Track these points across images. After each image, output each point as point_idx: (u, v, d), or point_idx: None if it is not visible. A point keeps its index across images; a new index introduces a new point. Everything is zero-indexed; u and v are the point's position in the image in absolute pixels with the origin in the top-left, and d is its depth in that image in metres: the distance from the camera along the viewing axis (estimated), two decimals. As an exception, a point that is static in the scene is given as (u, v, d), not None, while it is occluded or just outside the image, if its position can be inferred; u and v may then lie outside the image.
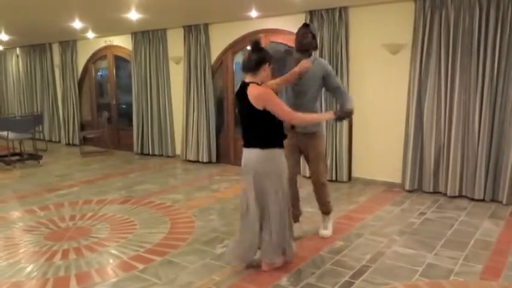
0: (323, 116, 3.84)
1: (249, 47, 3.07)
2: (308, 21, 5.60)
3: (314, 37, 3.54)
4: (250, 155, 3.05)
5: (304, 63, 3.43)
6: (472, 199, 4.78)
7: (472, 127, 4.73)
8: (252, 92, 2.94)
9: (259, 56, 2.99)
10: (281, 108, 2.97)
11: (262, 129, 3.02)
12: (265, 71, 3.02)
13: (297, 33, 3.54)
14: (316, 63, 3.54)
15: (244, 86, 3.01)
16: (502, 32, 4.44)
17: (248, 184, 3.05)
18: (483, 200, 4.73)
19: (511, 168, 4.53)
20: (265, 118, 2.97)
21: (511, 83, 4.47)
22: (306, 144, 3.64)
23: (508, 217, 4.25)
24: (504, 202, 4.60)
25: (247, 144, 3.08)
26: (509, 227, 3.97)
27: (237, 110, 3.25)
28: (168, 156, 7.71)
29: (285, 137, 3.14)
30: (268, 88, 3.05)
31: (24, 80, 10.40)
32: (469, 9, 4.59)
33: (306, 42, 3.48)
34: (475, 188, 4.75)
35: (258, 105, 2.92)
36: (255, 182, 3.02)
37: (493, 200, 4.71)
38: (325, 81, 3.58)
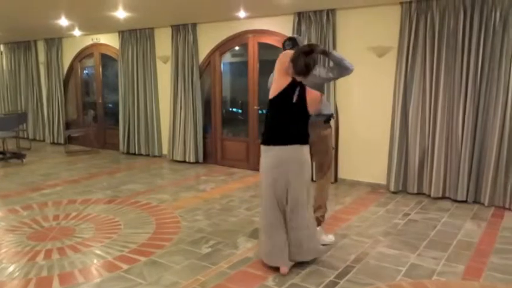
0: None
1: (301, 51, 3.06)
2: (296, 23, 5.63)
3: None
4: (294, 150, 3.09)
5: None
6: (455, 200, 4.86)
7: (456, 129, 4.80)
8: (313, 95, 3.10)
9: (314, 60, 3.08)
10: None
11: (303, 126, 3.14)
12: None
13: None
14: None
15: (299, 84, 3.08)
16: (485, 35, 4.52)
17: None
18: (466, 202, 4.81)
19: (493, 170, 4.62)
20: (306, 117, 3.13)
21: (494, 86, 4.56)
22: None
23: (489, 218, 4.33)
24: (486, 204, 4.69)
25: (289, 141, 3.08)
26: (490, 228, 4.04)
27: (279, 106, 3.13)
28: (155, 156, 7.66)
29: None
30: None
31: (8, 78, 10.23)
32: (454, 12, 4.67)
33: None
34: (458, 189, 4.83)
35: (311, 107, 3.08)
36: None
37: (475, 202, 4.79)
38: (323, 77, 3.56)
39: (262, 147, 3.18)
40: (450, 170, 4.88)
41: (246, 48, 6.52)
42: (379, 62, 5.31)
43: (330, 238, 3.72)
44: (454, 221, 4.23)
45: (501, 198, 4.63)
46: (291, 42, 3.54)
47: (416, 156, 5.08)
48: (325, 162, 3.71)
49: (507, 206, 4.59)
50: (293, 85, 3.08)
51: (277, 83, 3.11)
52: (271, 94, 3.12)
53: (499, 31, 4.46)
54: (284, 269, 3.09)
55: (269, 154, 3.12)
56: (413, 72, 5.00)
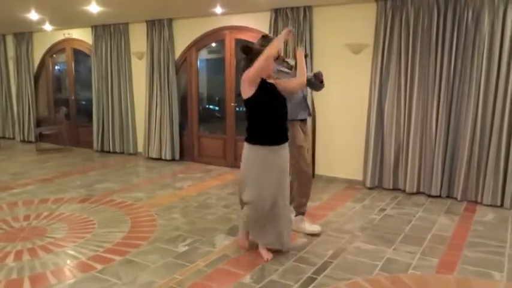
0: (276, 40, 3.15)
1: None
2: (273, 20, 5.62)
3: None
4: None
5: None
6: (429, 195, 4.96)
7: (430, 126, 4.89)
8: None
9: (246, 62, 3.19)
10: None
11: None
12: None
13: None
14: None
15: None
16: (458, 34, 4.62)
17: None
18: (439, 196, 4.91)
19: (465, 165, 4.73)
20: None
21: (466, 83, 4.66)
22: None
23: (462, 213, 4.43)
24: (459, 198, 4.80)
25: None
26: (463, 222, 4.14)
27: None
28: (130, 154, 7.53)
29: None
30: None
31: (-25, 73, 9.85)
32: (428, 11, 4.75)
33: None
34: (432, 184, 4.92)
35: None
36: None
37: (448, 197, 4.90)
38: None
39: (273, 147, 3.15)
40: (424, 165, 4.97)
41: (223, 45, 6.47)
42: (355, 59, 5.36)
43: (315, 227, 3.84)
44: (428, 216, 4.31)
45: (473, 193, 4.75)
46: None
47: (392, 153, 5.16)
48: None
49: (479, 200, 4.71)
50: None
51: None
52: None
53: (471, 30, 4.56)
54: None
55: (279, 154, 3.18)
56: (388, 69, 5.07)
